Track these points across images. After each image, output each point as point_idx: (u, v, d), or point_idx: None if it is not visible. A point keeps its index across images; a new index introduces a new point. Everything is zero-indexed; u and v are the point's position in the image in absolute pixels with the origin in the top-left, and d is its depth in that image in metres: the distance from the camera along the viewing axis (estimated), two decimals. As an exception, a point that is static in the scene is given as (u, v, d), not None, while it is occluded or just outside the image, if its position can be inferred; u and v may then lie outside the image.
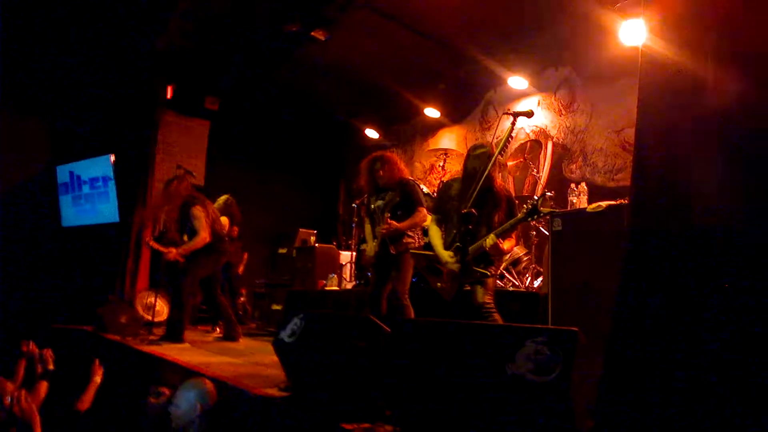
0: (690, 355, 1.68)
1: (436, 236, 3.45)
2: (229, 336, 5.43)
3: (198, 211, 5.10)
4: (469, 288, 3.16)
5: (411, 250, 3.88)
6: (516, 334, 1.57)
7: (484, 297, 3.12)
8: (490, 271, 3.20)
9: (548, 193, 3.16)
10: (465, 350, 1.69)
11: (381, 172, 4.05)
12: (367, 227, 4.28)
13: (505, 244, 3.20)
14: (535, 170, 6.10)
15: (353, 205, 6.71)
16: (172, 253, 5.03)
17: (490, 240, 3.10)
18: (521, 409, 1.50)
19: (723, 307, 1.66)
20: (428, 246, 3.56)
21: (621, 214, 3.29)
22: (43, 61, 7.28)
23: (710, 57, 1.60)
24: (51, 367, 4.02)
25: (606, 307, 3.23)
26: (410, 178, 4.27)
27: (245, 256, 8.01)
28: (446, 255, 3.29)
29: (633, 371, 1.81)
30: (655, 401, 1.71)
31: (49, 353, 4.13)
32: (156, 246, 5.44)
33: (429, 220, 3.68)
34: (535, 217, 3.07)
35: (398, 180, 4.06)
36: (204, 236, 5.03)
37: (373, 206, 4.14)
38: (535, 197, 3.09)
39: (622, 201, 3.43)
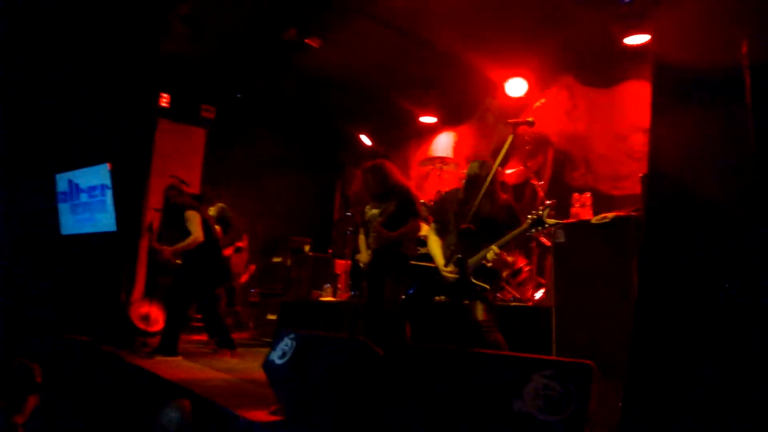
0: (722, 370, 1.56)
1: (435, 246, 3.30)
2: (224, 347, 5.31)
3: (191, 214, 5.07)
4: (467, 303, 3.04)
5: (410, 261, 3.75)
6: (522, 367, 1.44)
7: (484, 314, 2.98)
8: (490, 286, 3.07)
9: (547, 202, 3.02)
10: (466, 381, 1.56)
11: (374, 181, 3.92)
12: (361, 237, 4.12)
13: (510, 257, 3.09)
14: (535, 179, 5.99)
15: (348, 213, 6.59)
16: (166, 251, 5.08)
17: (491, 253, 2.98)
18: (528, 449, 1.37)
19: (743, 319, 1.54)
20: (425, 257, 3.44)
21: (629, 225, 3.17)
22: (41, 70, 7.22)
23: (725, 62, 1.49)
24: (38, 380, 3.94)
25: (613, 323, 3.12)
26: (408, 186, 4.14)
27: (252, 267, 7.94)
28: (446, 268, 3.17)
29: (658, 396, 1.68)
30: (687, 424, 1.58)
31: (36, 368, 4.03)
32: (155, 245, 5.50)
33: (427, 229, 3.55)
34: (539, 228, 2.93)
35: (395, 188, 3.93)
36: (197, 236, 4.98)
37: (368, 215, 4.00)
38: (540, 208, 2.96)
39: (631, 211, 3.31)
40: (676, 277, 1.52)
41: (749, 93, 1.39)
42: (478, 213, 2.97)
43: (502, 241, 2.98)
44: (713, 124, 1.51)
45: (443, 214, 3.39)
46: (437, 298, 3.20)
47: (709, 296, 1.44)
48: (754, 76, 1.39)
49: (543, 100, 3.18)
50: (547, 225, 2.88)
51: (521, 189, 6.55)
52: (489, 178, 3.00)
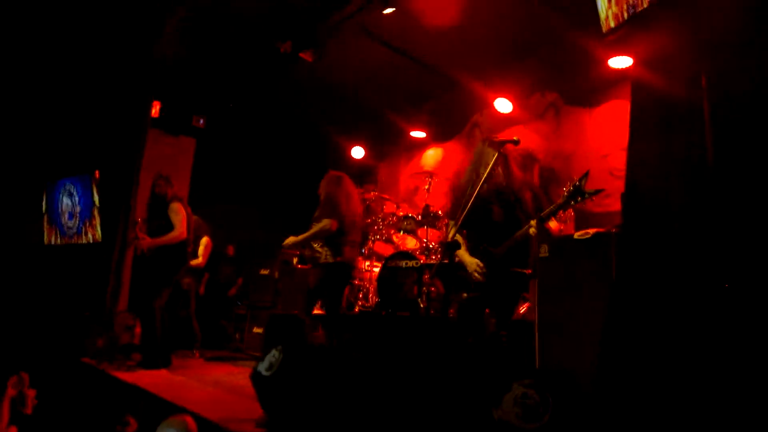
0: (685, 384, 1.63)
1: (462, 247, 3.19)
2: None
3: (177, 206, 4.97)
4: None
5: (436, 265, 3.70)
6: (501, 376, 1.49)
7: (501, 326, 2.94)
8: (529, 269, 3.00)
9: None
10: (448, 390, 1.61)
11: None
12: None
13: (552, 224, 3.02)
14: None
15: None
16: (146, 240, 4.87)
17: (533, 225, 2.91)
18: (508, 456, 1.42)
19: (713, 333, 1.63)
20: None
21: (608, 241, 3.25)
22: (27, 77, 7.19)
23: (703, 93, 1.59)
24: (28, 412, 3.81)
25: (593, 337, 3.18)
26: (334, 196, 4.45)
27: (240, 280, 7.91)
28: (473, 260, 3.09)
29: (628, 406, 1.74)
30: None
31: (31, 395, 3.91)
32: (139, 233, 5.13)
33: (452, 227, 3.43)
34: (579, 199, 2.82)
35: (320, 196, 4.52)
36: (180, 232, 4.88)
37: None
38: (576, 179, 2.85)
39: (610, 228, 3.39)
40: (648, 290, 1.60)
41: (708, 119, 1.50)
42: (494, 186, 2.98)
43: (545, 213, 2.92)
44: (681, 144, 1.61)
45: (459, 210, 3.23)
46: (466, 295, 3.11)
47: (679, 299, 1.52)
48: (712, 105, 1.50)
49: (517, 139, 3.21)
50: (587, 194, 2.80)
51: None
52: (487, 172, 2.97)
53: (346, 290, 5.55)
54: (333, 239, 4.27)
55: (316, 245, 4.35)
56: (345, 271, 4.38)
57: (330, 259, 4.24)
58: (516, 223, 3.03)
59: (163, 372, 4.72)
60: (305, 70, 6.89)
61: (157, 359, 4.80)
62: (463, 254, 3.15)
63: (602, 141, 5.86)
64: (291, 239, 4.42)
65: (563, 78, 6.29)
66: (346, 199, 4.45)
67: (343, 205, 4.36)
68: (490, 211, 2.97)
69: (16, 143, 7.33)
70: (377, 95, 7.82)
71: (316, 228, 4.26)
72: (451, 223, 3.34)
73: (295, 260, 7.10)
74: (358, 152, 8.73)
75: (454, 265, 3.16)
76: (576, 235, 3.56)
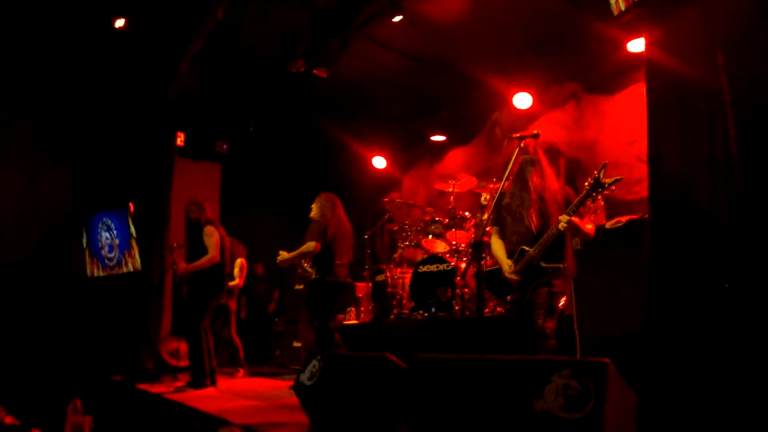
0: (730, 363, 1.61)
1: (499, 248, 3.25)
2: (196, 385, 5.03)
3: (210, 230, 5.13)
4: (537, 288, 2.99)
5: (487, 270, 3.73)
6: (541, 368, 1.50)
7: (546, 321, 2.92)
8: (562, 264, 2.98)
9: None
10: (489, 386, 1.62)
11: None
12: None
13: (585, 222, 3.04)
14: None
15: (365, 236, 6.67)
16: (182, 265, 5.14)
17: (563, 219, 2.92)
18: (554, 448, 1.42)
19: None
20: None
21: (641, 228, 3.21)
22: (66, 117, 7.55)
23: (720, 71, 1.56)
24: None
25: (631, 324, 3.15)
26: (317, 219, 4.64)
27: (276, 293, 8.04)
28: (507, 263, 3.13)
29: (675, 391, 1.72)
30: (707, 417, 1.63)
31: (87, 420, 4.06)
32: (174, 256, 5.44)
33: (493, 233, 3.38)
34: (600, 190, 2.84)
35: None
36: (213, 256, 5.02)
37: None
38: (594, 172, 2.90)
39: (644, 215, 3.34)
40: (680, 273, 1.58)
41: (728, 98, 1.47)
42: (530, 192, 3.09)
43: (570, 208, 2.95)
44: (702, 129, 1.59)
45: (500, 214, 3.32)
46: (509, 297, 3.18)
47: (709, 292, 1.51)
48: (731, 83, 1.47)
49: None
50: (607, 184, 2.82)
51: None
52: (504, 179, 3.05)
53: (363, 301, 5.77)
54: (320, 259, 4.50)
55: (306, 264, 4.59)
56: (329, 288, 4.53)
57: (316, 277, 4.50)
58: (549, 225, 3.08)
59: (211, 390, 4.84)
60: (322, 86, 6.99)
61: (204, 379, 4.93)
62: (500, 254, 3.20)
63: (627, 127, 5.75)
64: (283, 255, 4.57)
65: (582, 66, 6.20)
66: (336, 222, 4.63)
67: (330, 229, 4.54)
68: (527, 214, 3.02)
69: (55, 185, 7.65)
70: (395, 103, 7.86)
71: (300, 249, 4.47)
72: (482, 222, 3.36)
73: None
74: (380, 162, 8.77)
75: (496, 270, 3.24)
76: (608, 225, 3.53)
